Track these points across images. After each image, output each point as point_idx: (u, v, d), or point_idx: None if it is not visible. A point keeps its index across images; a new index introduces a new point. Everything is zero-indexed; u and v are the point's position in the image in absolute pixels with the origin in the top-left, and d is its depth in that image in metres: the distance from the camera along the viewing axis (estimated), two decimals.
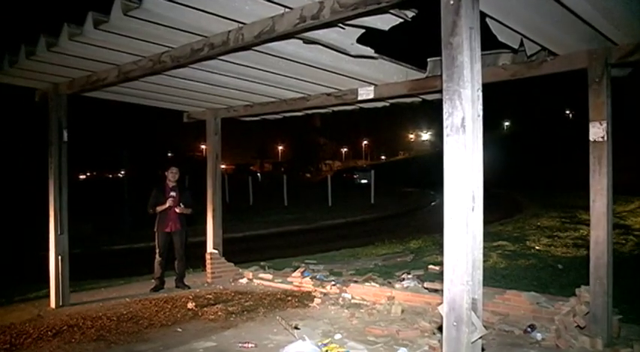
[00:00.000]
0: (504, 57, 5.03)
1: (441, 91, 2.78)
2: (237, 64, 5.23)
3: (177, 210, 7.27)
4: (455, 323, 2.61)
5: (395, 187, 34.27)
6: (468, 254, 2.62)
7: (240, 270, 8.02)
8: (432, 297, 5.86)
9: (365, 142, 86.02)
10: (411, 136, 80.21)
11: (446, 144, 2.73)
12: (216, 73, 5.64)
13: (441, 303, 2.72)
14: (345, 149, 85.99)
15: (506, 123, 60.58)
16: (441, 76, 2.76)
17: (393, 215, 21.06)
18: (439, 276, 6.87)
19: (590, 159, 4.41)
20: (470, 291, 2.59)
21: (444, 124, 2.73)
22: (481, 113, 2.78)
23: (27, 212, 19.23)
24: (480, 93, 2.72)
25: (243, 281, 7.72)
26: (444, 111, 2.73)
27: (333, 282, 6.91)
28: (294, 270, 7.80)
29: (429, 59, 5.51)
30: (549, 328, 4.62)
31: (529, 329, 4.72)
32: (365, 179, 35.17)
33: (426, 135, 75.51)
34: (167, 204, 7.21)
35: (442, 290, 2.73)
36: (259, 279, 7.68)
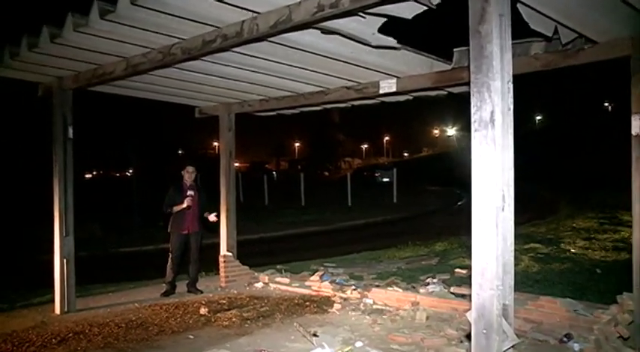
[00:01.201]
0: (537, 46, 4.95)
1: (468, 84, 2.76)
2: (252, 56, 5.24)
3: (210, 219, 7.41)
4: (484, 331, 2.59)
5: (418, 186, 34.03)
6: (498, 257, 2.60)
7: (256, 274, 8.06)
8: (459, 303, 5.82)
9: (386, 138, 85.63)
10: (436, 132, 79.60)
11: (474, 139, 2.71)
12: (229, 66, 5.66)
13: (469, 309, 2.70)
14: (366, 146, 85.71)
15: (538, 117, 59.83)
16: (468, 67, 2.74)
17: (417, 215, 20.96)
18: (466, 280, 6.82)
19: (633, 155, 4.32)
20: (500, 297, 2.57)
21: (472, 118, 2.72)
22: (512, 106, 2.75)
23: (28, 213, 19.60)
24: (511, 85, 2.70)
25: (259, 285, 7.75)
26: (472, 104, 2.70)
27: (353, 287, 6.90)
28: (313, 274, 7.81)
29: (455, 49, 5.46)
30: (588, 338, 4.53)
31: (565, 339, 4.64)
32: (387, 177, 35.01)
33: (451, 131, 74.79)
34: (184, 204, 7.24)
35: (470, 296, 2.71)
36: (276, 283, 7.70)
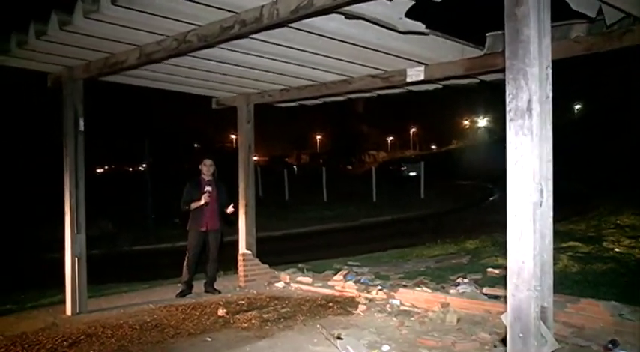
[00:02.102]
0: (578, 28, 4.85)
1: (502, 70, 2.73)
2: (272, 43, 5.25)
3: (227, 211, 7.41)
4: (521, 335, 2.56)
5: (448, 180, 33.82)
6: (536, 256, 2.56)
7: (276, 273, 8.10)
8: (493, 304, 5.77)
9: (413, 130, 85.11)
10: (466, 123, 78.84)
11: (509, 130, 2.67)
12: (248, 54, 5.67)
13: (504, 312, 2.68)
14: (391, 138, 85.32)
15: (577, 106, 58.82)
16: (502, 52, 2.71)
17: (446, 211, 20.84)
18: (500, 281, 6.75)
19: None
20: (538, 298, 2.54)
21: (507, 108, 2.68)
22: (550, 94, 2.71)
23: (37, 210, 19.96)
24: (550, 72, 2.65)
25: (280, 285, 7.79)
26: (507, 92, 2.67)
27: (379, 287, 6.89)
28: (336, 273, 7.81)
29: (488, 34, 5.38)
30: (635, 345, 4.45)
31: (610, 346, 4.53)
32: (414, 171, 34.82)
33: (482, 122, 74.05)
34: (202, 201, 7.26)
35: (504, 297, 2.68)
36: (297, 283, 7.73)
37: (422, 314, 5.87)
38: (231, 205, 7.49)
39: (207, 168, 7.46)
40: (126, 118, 46.84)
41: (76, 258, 6.44)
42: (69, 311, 6.45)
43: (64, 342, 5.27)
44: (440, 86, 6.99)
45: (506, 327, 2.66)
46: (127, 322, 5.97)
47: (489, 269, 7.81)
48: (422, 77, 6.02)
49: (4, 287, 9.28)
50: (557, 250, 8.93)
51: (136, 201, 20.98)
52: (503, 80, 2.70)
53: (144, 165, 28.34)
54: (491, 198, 25.03)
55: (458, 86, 6.97)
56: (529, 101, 2.58)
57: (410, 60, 5.77)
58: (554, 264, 6.52)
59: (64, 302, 6.62)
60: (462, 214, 19.82)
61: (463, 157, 50.10)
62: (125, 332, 5.59)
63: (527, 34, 2.56)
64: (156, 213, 17.57)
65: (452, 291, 6.41)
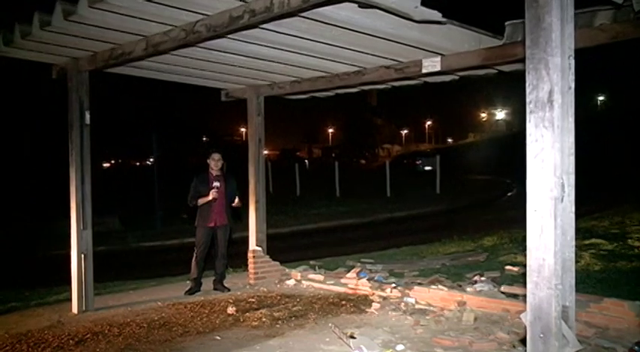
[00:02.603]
0: (603, 15, 4.76)
1: (521, 60, 2.70)
2: (282, 33, 5.24)
3: (233, 205, 7.41)
4: (542, 335, 2.54)
5: (464, 175, 33.70)
6: (557, 253, 2.54)
7: (287, 270, 8.11)
8: (511, 303, 5.74)
9: (429, 123, 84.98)
10: (483, 115, 78.54)
11: (529, 122, 2.65)
12: (258, 45, 5.67)
13: (523, 311, 2.66)
14: (406, 131, 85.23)
15: (600, 98, 58.27)
16: (522, 42, 2.68)
17: (463, 207, 20.75)
18: (519, 279, 6.73)
19: None
20: (560, 297, 2.52)
21: (527, 99, 2.66)
22: (573, 85, 2.68)
23: (42, 206, 20.15)
24: (573, 61, 2.62)
25: (291, 282, 7.81)
26: (527, 83, 2.64)
27: (393, 285, 6.89)
28: (349, 271, 7.81)
29: (507, 23, 5.33)
30: None
31: (636, 348, 4.46)
32: (429, 165, 34.83)
33: (500, 114, 73.75)
34: (210, 197, 7.28)
35: (524, 296, 2.67)
36: (309, 281, 7.74)
37: (438, 313, 5.86)
38: (237, 198, 7.48)
39: (215, 162, 7.46)
40: (133, 111, 47.14)
41: (83, 255, 6.48)
42: (75, 309, 6.50)
43: (70, 341, 5.32)
44: (457, 77, 6.94)
45: (525, 327, 2.65)
46: (134, 320, 6.02)
47: (508, 267, 7.79)
48: (438, 68, 5.97)
49: (9, 284, 9.38)
50: (579, 247, 8.87)
51: (143, 197, 21.11)
52: (523, 70, 2.68)
53: (151, 160, 28.50)
54: (509, 194, 24.90)
55: (475, 77, 6.91)
56: (550, 92, 2.55)
57: (425, 50, 5.73)
58: (576, 261, 6.49)
59: (70, 299, 6.67)
60: (480, 210, 19.74)
61: (481, 151, 49.87)
62: (132, 330, 5.64)
63: (549, 21, 2.53)
64: (163, 208, 17.64)
65: (469, 289, 6.40)
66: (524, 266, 2.71)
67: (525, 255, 2.70)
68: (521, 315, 2.69)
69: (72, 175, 6.49)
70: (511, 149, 18.28)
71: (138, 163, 55.21)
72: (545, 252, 2.56)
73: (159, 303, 6.84)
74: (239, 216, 7.96)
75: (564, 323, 2.53)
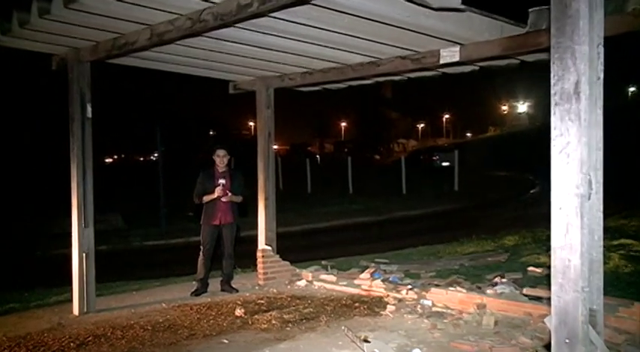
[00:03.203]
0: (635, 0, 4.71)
1: (546, 50, 2.68)
2: (293, 22, 5.22)
3: (223, 200, 7.35)
4: (567, 341, 2.52)
5: (484, 171, 33.50)
6: (584, 253, 2.52)
7: (298, 271, 8.12)
8: (534, 307, 5.70)
9: (446, 116, 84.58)
10: (505, 108, 78.04)
11: (554, 115, 2.62)
12: (267, 34, 5.66)
13: (547, 314, 2.64)
14: (422, 125, 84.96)
15: (631, 89, 57.67)
16: (547, 30, 2.65)
17: (482, 205, 20.65)
18: (542, 281, 6.69)
19: None
20: (587, 300, 2.49)
21: (552, 90, 2.63)
22: (602, 75, 2.66)
23: (41, 203, 20.28)
24: (602, 50, 2.59)
25: (302, 283, 7.82)
26: (552, 74, 2.62)
27: (409, 286, 6.88)
28: (362, 271, 7.82)
29: (530, 10, 5.27)
30: None
31: None
32: (447, 161, 34.62)
33: (523, 107, 73.22)
34: (215, 194, 7.29)
35: (548, 299, 2.65)
36: (320, 281, 7.75)
37: (456, 316, 5.84)
38: (229, 193, 7.38)
39: (220, 159, 7.44)
40: (137, 104, 47.33)
41: (84, 254, 6.50)
42: (76, 311, 6.53)
43: (71, 344, 5.34)
44: (476, 68, 6.90)
45: (549, 332, 2.62)
46: (137, 322, 6.04)
47: (530, 268, 7.75)
48: (457, 58, 5.94)
49: (8, 285, 9.44)
50: (607, 248, 8.79)
51: (147, 194, 21.20)
52: (548, 60, 2.65)
53: (155, 155, 28.63)
54: (532, 191, 24.73)
55: (496, 68, 6.86)
56: (577, 83, 2.52)
57: (444, 39, 5.69)
58: (605, 263, 6.42)
59: (70, 300, 6.69)
60: (500, 208, 19.62)
61: (501, 146, 49.60)
62: (136, 333, 5.66)
63: (577, 7, 2.50)
64: (168, 206, 17.70)
65: (489, 292, 6.37)
66: (549, 267, 2.69)
67: (549, 256, 2.68)
68: (546, 319, 2.67)
69: (73, 171, 6.51)
70: (534, 144, 18.16)
71: (142, 158, 55.55)
72: (571, 252, 2.54)
73: (163, 305, 6.87)
74: (245, 213, 7.97)
75: (592, 328, 2.51)
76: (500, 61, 6.52)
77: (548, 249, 2.68)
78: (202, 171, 7.57)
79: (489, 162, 38.44)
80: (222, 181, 7.33)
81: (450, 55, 5.98)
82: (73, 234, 6.52)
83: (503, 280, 6.91)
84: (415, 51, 6.21)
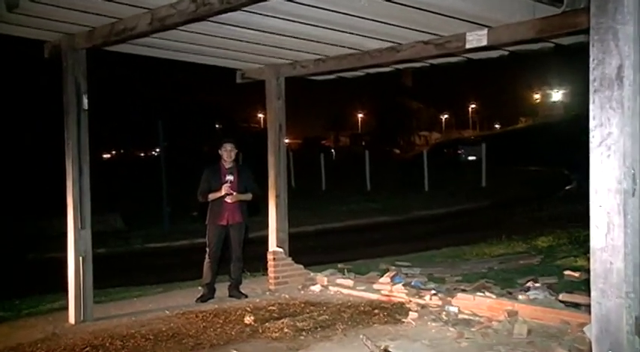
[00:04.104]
0: None
1: (584, 31, 2.64)
2: (305, 4, 5.22)
3: (228, 200, 7.33)
4: None
5: (514, 165, 33.39)
6: (628, 255, 2.48)
7: (312, 274, 8.13)
8: (571, 314, 5.66)
9: (472, 106, 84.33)
10: (537, 97, 77.61)
11: (592, 103, 2.59)
12: (277, 18, 5.65)
13: (586, 323, 2.61)
14: (446, 116, 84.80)
15: None
16: (585, 9, 2.61)
17: (512, 202, 20.52)
18: (580, 286, 6.65)
19: None
20: (631, 307, 2.46)
21: (591, 76, 2.59)
22: None
23: (34, 204, 20.41)
24: None
25: (316, 288, 7.82)
26: (592, 57, 2.58)
27: (433, 291, 6.86)
28: (382, 275, 7.80)
29: None
30: None
31: None
32: (473, 155, 34.60)
33: (557, 95, 72.77)
34: (222, 192, 7.29)
35: (587, 306, 2.61)
36: (336, 286, 7.74)
37: (484, 324, 5.80)
38: (234, 193, 7.33)
39: (227, 153, 7.43)
40: (137, 95, 47.53)
41: (80, 258, 6.49)
42: (72, 319, 6.52)
43: None
44: (506, 53, 6.85)
45: (589, 343, 2.59)
46: (139, 331, 6.06)
47: (567, 272, 7.71)
48: (484, 42, 5.90)
49: None
50: None
51: (148, 192, 21.31)
52: (586, 43, 2.61)
53: (157, 150, 28.77)
54: (568, 187, 24.60)
55: (528, 52, 6.82)
56: (620, 67, 2.49)
57: (470, 22, 5.66)
58: None
59: (66, 308, 6.70)
60: (533, 205, 19.48)
61: (534, 138, 49.32)
62: (137, 343, 5.68)
63: None
64: (172, 205, 17.79)
65: (520, 297, 6.33)
66: (587, 271, 2.66)
67: (588, 258, 2.64)
68: (585, 329, 2.64)
69: (68, 168, 6.51)
70: (570, 135, 17.99)
71: (142, 154, 55.88)
72: (613, 254, 2.51)
73: (167, 312, 6.89)
74: (258, 211, 7.97)
75: (638, 338, 2.48)
76: (532, 44, 6.47)
77: (587, 250, 2.64)
78: (207, 167, 7.57)
79: (520, 156, 38.26)
80: (229, 178, 7.33)
81: (476, 38, 5.94)
82: (68, 236, 6.53)
83: (537, 285, 6.87)
84: (439, 35, 6.17)
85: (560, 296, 6.16)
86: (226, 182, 7.30)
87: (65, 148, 6.53)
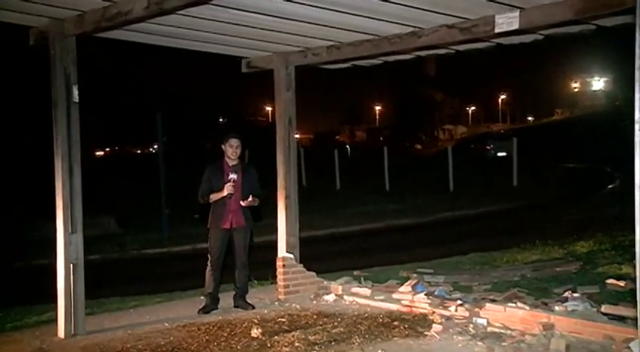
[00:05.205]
0: None
1: (630, 11, 2.61)
2: None
3: (242, 203, 7.32)
4: None
5: (549, 162, 33.26)
6: None
7: (325, 283, 8.13)
8: (616, 328, 5.58)
9: (502, 97, 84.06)
10: (575, 86, 77.24)
11: (638, 92, 2.57)
12: (287, 1, 5.66)
13: (633, 338, 2.59)
14: (473, 108, 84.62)
15: None
16: None
17: (548, 203, 20.48)
18: (626, 297, 6.62)
19: None
20: None
21: (637, 62, 2.58)
22: None
23: (20, 206, 20.47)
24: None
25: (330, 298, 7.82)
26: (638, 40, 2.56)
27: (459, 301, 6.83)
28: (403, 283, 7.81)
29: None
30: None
31: None
32: (503, 150, 34.53)
33: (599, 83, 72.32)
34: (225, 192, 7.28)
35: (633, 319, 2.59)
36: (352, 296, 7.74)
37: (517, 338, 5.77)
38: (250, 196, 7.35)
39: (232, 149, 7.40)
40: (133, 86, 47.71)
41: (71, 265, 6.46)
42: (62, 333, 6.49)
43: None
44: (540, 37, 6.82)
45: None
46: (135, 346, 6.06)
47: (610, 281, 7.69)
48: (516, 26, 5.87)
49: None
50: None
51: (145, 192, 21.39)
52: (633, 24, 2.59)
53: (156, 146, 28.88)
54: (610, 186, 24.49)
55: (566, 36, 6.78)
56: None
57: (499, 3, 5.64)
58: None
59: (55, 321, 6.69)
60: (570, 207, 19.41)
61: (571, 131, 49.17)
62: None
63: None
64: (171, 207, 17.83)
65: (557, 309, 6.29)
66: (633, 279, 2.64)
67: (634, 266, 2.63)
68: (632, 345, 2.63)
69: (57, 166, 6.46)
70: (613, 128, 17.89)
71: (139, 151, 56.17)
72: None
73: (166, 324, 6.90)
74: (260, 217, 7.96)
75: None
76: (570, 27, 6.43)
77: (633, 257, 2.63)
78: (209, 166, 7.56)
79: (556, 152, 38.12)
80: (232, 176, 7.27)
81: (507, 22, 5.91)
82: (58, 241, 6.50)
83: (576, 295, 6.84)
84: (465, 18, 6.15)
85: (603, 308, 6.11)
86: (229, 181, 7.25)
87: (54, 145, 6.48)
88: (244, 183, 7.40)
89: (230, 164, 7.42)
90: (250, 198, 7.31)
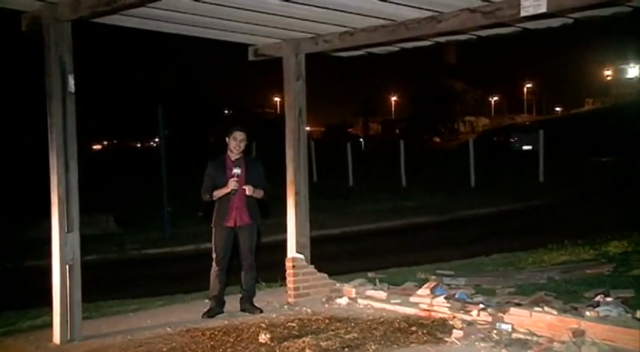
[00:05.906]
0: None
1: None
2: None
3: (247, 192, 7.31)
4: None
5: (579, 156, 33.09)
6: None
7: (338, 285, 8.14)
8: None
9: (528, 86, 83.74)
10: (608, 73, 76.74)
11: None
12: None
13: None
14: (496, 98, 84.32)
15: None
16: None
17: (577, 200, 20.43)
18: None
19: None
20: None
21: None
22: None
23: (13, 205, 20.55)
24: None
25: (343, 301, 7.82)
26: None
27: (481, 305, 6.83)
28: (421, 286, 7.79)
29: None
30: None
31: None
32: (529, 144, 34.37)
33: (634, 70, 71.84)
34: (229, 188, 7.29)
35: None
36: (366, 299, 7.75)
37: (544, 345, 5.77)
38: (251, 187, 7.32)
39: (237, 143, 7.38)
40: (133, 76, 47.80)
41: (67, 266, 6.48)
42: (57, 339, 6.51)
43: None
44: (570, 21, 6.77)
45: None
46: None
47: None
48: (544, 9, 5.83)
49: None
50: None
51: (146, 189, 21.45)
52: None
53: (157, 140, 28.96)
54: None
55: (598, 19, 6.75)
56: None
57: None
58: None
59: (50, 325, 6.71)
60: (601, 204, 19.35)
61: (603, 123, 48.86)
62: None
63: None
64: (173, 204, 17.86)
65: (588, 314, 6.27)
66: None
67: None
68: None
69: (52, 161, 6.48)
70: None
71: (139, 145, 56.36)
72: None
73: (168, 329, 6.92)
74: (267, 214, 7.95)
75: None
76: (603, 9, 6.36)
77: None
78: (211, 161, 7.57)
79: (586, 145, 37.94)
80: (236, 171, 7.25)
81: (534, 4, 5.87)
82: (53, 241, 6.53)
83: (608, 299, 6.81)
84: (488, 1, 6.13)
85: (638, 314, 6.10)
86: (233, 176, 7.24)
87: (48, 138, 6.48)
88: (248, 178, 7.38)
89: (232, 158, 7.41)
90: (250, 187, 7.29)
